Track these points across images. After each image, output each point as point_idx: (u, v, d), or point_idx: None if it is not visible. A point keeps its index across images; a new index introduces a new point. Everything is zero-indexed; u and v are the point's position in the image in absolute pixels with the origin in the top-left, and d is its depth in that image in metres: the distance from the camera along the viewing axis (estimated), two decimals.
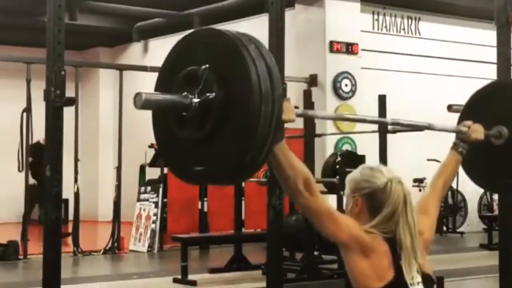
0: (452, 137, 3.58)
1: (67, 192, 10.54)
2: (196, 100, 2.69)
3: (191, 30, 2.94)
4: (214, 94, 2.65)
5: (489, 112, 3.93)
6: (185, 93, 2.71)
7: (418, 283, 2.92)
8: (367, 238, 2.89)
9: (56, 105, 4.85)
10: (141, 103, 2.63)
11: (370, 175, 3.01)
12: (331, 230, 2.90)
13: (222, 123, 2.65)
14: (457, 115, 4.03)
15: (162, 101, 2.78)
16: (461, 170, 3.80)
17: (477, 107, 4.01)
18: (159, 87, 2.88)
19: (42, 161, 13.82)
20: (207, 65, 2.68)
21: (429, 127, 3.63)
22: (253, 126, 2.57)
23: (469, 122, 3.62)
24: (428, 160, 11.99)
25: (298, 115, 2.91)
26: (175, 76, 2.78)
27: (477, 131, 3.60)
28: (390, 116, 5.43)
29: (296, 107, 5.91)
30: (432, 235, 3.20)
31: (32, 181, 12.28)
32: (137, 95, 2.64)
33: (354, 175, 3.07)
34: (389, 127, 8.90)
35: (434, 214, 3.29)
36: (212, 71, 2.68)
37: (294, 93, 11.02)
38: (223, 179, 2.80)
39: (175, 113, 2.75)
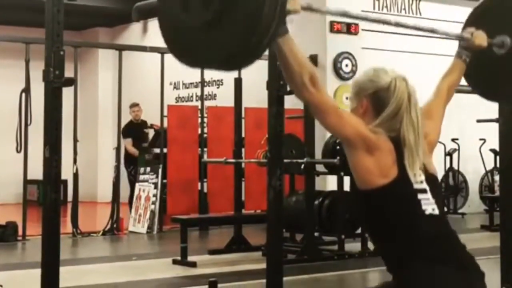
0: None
1: (66, 173, 10.52)
2: None
3: None
4: None
5: (492, 22, 3.90)
6: None
7: (421, 181, 2.95)
8: (372, 136, 2.91)
9: (55, 85, 4.81)
10: None
11: (374, 75, 3.06)
12: (336, 125, 2.91)
13: (226, 6, 2.63)
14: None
15: None
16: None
17: (480, 17, 3.97)
18: None
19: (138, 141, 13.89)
20: None
21: (433, 30, 3.67)
22: (259, 10, 2.55)
23: (472, 29, 3.61)
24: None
25: (304, 8, 2.89)
26: None
27: (480, 38, 3.59)
28: None
29: None
30: (436, 137, 3.23)
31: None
32: None
33: (358, 77, 3.12)
34: None
35: (439, 118, 3.31)
36: None
37: None
38: (226, 63, 2.76)
39: None
